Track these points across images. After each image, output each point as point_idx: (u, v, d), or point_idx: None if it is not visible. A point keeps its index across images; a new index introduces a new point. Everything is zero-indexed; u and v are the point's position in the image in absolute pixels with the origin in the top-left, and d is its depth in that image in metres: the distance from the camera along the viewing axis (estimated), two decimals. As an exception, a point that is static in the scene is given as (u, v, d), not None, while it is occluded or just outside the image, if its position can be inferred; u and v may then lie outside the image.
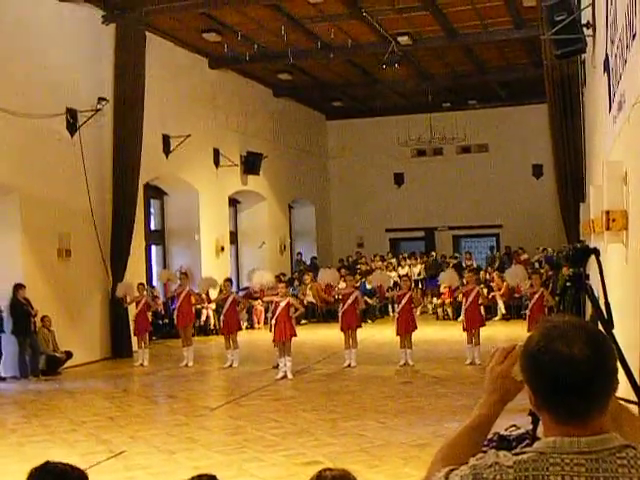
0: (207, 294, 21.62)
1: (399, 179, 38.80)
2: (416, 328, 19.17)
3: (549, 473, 2.24)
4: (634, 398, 4.45)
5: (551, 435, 2.32)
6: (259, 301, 26.82)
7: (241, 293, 26.03)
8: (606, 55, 10.01)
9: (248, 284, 27.42)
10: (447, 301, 28.95)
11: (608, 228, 6.93)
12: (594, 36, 14.13)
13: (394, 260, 34.53)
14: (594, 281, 5.49)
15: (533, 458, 2.28)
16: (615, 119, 8.67)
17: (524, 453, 2.32)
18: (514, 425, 3.81)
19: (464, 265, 31.57)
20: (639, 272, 6.38)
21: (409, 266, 33.33)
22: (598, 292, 5.34)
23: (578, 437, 2.27)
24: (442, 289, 28.97)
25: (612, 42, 8.77)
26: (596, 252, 5.26)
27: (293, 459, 10.50)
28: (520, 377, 2.54)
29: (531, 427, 3.47)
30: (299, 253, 36.30)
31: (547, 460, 2.26)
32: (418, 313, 20.64)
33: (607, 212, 6.95)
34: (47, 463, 4.03)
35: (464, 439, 2.61)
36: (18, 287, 18.46)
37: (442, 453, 2.61)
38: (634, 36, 6.39)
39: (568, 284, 5.16)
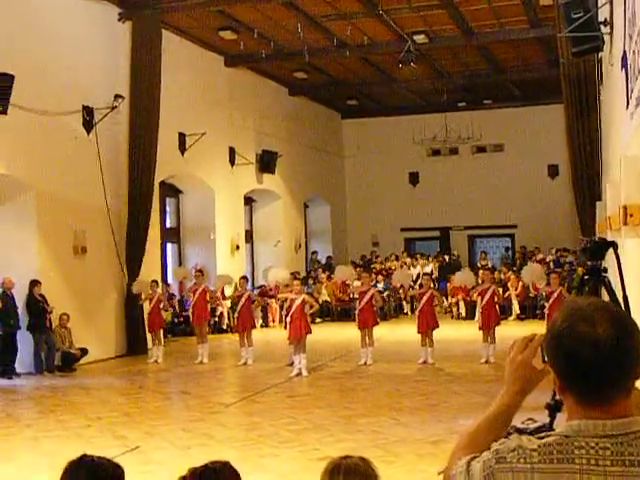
0: (222, 291, 21.59)
1: (414, 178, 38.74)
2: (438, 326, 19.13)
3: (574, 456, 2.23)
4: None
5: (575, 418, 2.30)
6: (274, 299, 26.83)
7: (256, 291, 26.05)
8: (624, 52, 9.97)
9: (264, 282, 27.45)
10: (460, 297, 28.87)
11: (625, 223, 6.90)
12: (611, 34, 14.08)
13: (409, 259, 34.51)
14: (612, 274, 5.49)
15: (558, 441, 2.27)
16: (632, 115, 8.64)
17: (549, 436, 2.31)
18: (531, 418, 3.80)
19: (479, 265, 31.53)
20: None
21: (421, 265, 33.26)
22: (616, 285, 5.33)
23: (603, 420, 2.25)
24: (450, 288, 28.98)
25: (630, 38, 8.74)
26: (614, 245, 5.26)
27: (308, 455, 10.51)
28: (541, 366, 2.54)
29: (548, 420, 3.46)
30: (315, 252, 36.26)
31: (572, 443, 2.25)
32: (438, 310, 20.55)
33: (624, 207, 6.92)
34: (84, 456, 4.03)
35: (485, 428, 2.58)
36: (34, 283, 18.52)
37: (463, 442, 2.60)
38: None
39: (586, 277, 5.17)
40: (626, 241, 7.62)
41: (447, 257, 35.38)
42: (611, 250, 5.34)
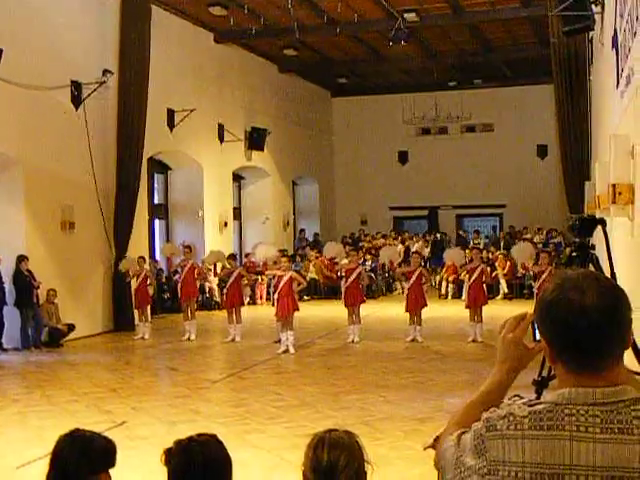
0: (214, 267, 21.55)
1: (403, 157, 38.75)
2: (426, 305, 19.12)
3: (564, 423, 2.25)
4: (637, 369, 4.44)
5: (566, 387, 2.32)
6: (263, 276, 26.77)
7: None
8: (615, 31, 9.96)
9: (246, 259, 27.40)
10: (450, 278, 28.91)
11: (614, 201, 6.90)
12: (602, 13, 14.06)
13: (398, 239, 34.48)
14: (600, 252, 5.48)
15: (548, 409, 2.29)
16: (622, 94, 8.63)
17: (539, 404, 2.33)
18: (517, 395, 3.80)
19: (472, 244, 31.55)
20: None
21: (410, 245, 33.29)
22: (603, 262, 5.33)
23: (593, 388, 2.28)
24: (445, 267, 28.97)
25: (621, 17, 8.72)
26: (602, 222, 5.26)
27: (294, 431, 10.51)
28: (532, 344, 2.58)
29: (535, 397, 3.46)
30: (302, 230, 36.25)
31: (562, 411, 2.27)
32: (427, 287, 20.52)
33: (613, 185, 6.92)
34: (75, 430, 4.05)
35: (477, 405, 2.61)
36: (21, 259, 18.46)
37: (454, 420, 2.63)
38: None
39: (574, 254, 5.17)
40: (614, 220, 7.61)
41: (439, 235, 35.45)
42: (599, 227, 5.34)
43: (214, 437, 3.91)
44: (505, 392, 2.64)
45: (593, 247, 5.24)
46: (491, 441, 2.32)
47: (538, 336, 2.54)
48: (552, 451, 2.24)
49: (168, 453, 3.79)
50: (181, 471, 3.73)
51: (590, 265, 5.13)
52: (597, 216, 5.60)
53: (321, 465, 3.33)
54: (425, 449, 5.68)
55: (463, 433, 2.45)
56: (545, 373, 4.00)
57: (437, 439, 5.96)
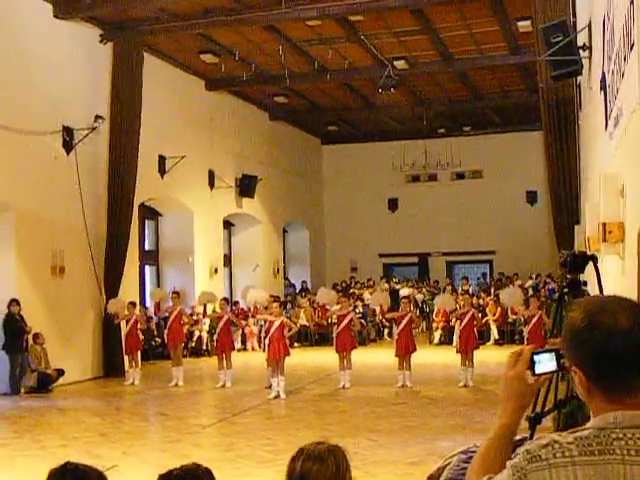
0: (204, 309, 21.53)
1: (393, 204, 38.86)
2: (415, 350, 19.06)
3: (614, 447, 2.18)
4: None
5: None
6: (251, 319, 26.66)
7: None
8: (603, 73, 10.06)
9: (237, 306, 27.38)
10: (441, 325, 28.86)
11: (604, 240, 6.93)
12: (590, 58, 14.21)
13: (386, 285, 34.50)
14: (591, 289, 5.49)
15: (594, 434, 2.22)
16: (612, 135, 8.70)
17: (582, 430, 2.26)
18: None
19: (460, 290, 31.56)
20: (635, 283, 6.37)
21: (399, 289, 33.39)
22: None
23: (637, 410, 2.22)
24: (436, 312, 28.93)
25: (609, 58, 8.81)
26: (594, 258, 5.27)
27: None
28: (532, 379, 2.53)
29: (529, 433, 3.44)
30: (286, 279, 36.16)
31: (609, 435, 2.20)
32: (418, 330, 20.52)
33: (604, 224, 6.95)
34: (66, 463, 3.98)
35: (491, 452, 2.50)
36: (12, 303, 18.38)
37: (473, 469, 2.52)
38: (632, 46, 6.42)
39: (565, 290, 5.17)
40: (605, 258, 7.65)
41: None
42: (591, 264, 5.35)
43: (197, 466, 3.86)
44: (515, 432, 2.55)
45: (585, 284, 5.24)
46: (535, 472, 2.22)
47: (537, 370, 2.54)
48: (606, 476, 2.16)
49: None
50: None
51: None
52: (588, 252, 5.62)
53: (293, 475, 3.36)
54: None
55: (490, 478, 2.34)
56: (539, 409, 3.98)
57: (430, 478, 5.93)
